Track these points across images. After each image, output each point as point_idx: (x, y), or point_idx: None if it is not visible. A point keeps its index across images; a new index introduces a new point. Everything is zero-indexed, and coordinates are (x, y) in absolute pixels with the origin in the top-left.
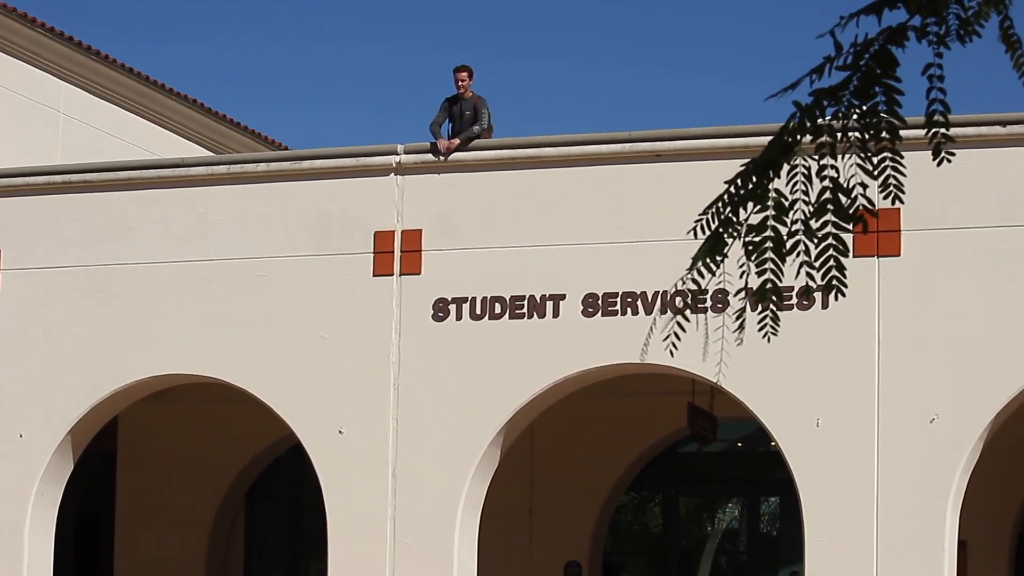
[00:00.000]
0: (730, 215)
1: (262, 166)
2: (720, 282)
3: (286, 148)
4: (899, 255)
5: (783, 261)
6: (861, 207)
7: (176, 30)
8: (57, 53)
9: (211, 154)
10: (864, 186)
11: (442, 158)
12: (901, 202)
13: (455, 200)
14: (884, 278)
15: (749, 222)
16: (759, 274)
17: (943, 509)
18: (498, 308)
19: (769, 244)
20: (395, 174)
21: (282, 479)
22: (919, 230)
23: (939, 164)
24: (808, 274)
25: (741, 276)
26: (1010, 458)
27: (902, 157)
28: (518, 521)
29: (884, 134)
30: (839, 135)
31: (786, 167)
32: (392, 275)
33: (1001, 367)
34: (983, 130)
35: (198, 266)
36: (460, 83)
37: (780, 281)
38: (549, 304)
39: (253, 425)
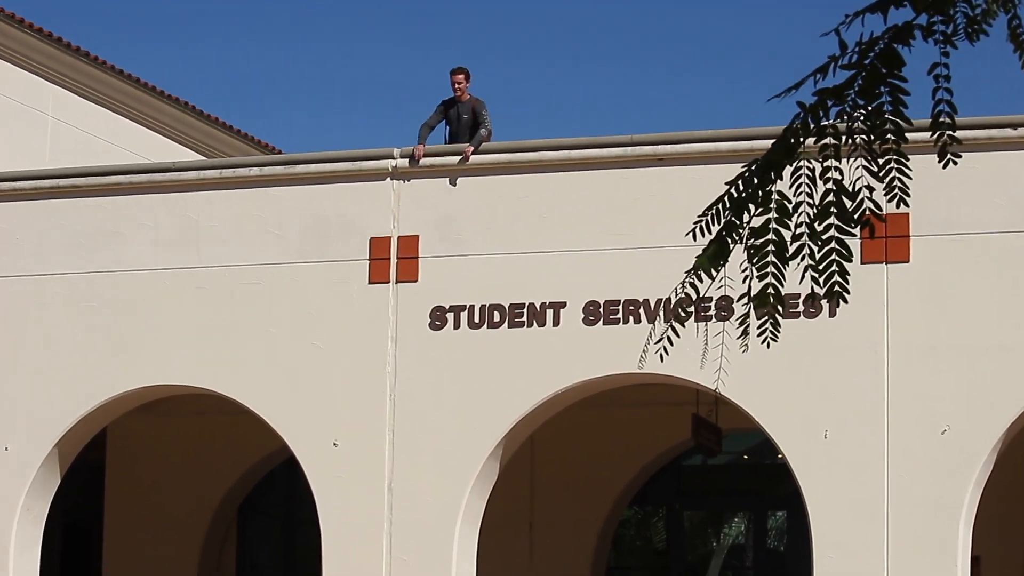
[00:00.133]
0: (733, 219)
1: (255, 171)
2: (721, 287)
3: (280, 152)
4: (908, 261)
5: (785, 265)
6: (868, 211)
7: (168, 32)
8: (46, 55)
9: (203, 158)
10: (871, 189)
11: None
12: (907, 205)
13: (453, 205)
14: (893, 285)
15: (751, 225)
16: (760, 278)
17: (956, 523)
18: (497, 316)
19: (771, 248)
20: (391, 179)
21: (275, 493)
22: (929, 235)
23: (945, 166)
24: (813, 278)
25: (744, 281)
26: None
27: (907, 159)
28: (518, 536)
29: (889, 136)
30: (843, 136)
31: (790, 170)
32: (388, 282)
33: (1015, 375)
34: (993, 132)
35: (190, 273)
36: (457, 85)
37: (782, 286)
38: (549, 312)
39: (246, 437)
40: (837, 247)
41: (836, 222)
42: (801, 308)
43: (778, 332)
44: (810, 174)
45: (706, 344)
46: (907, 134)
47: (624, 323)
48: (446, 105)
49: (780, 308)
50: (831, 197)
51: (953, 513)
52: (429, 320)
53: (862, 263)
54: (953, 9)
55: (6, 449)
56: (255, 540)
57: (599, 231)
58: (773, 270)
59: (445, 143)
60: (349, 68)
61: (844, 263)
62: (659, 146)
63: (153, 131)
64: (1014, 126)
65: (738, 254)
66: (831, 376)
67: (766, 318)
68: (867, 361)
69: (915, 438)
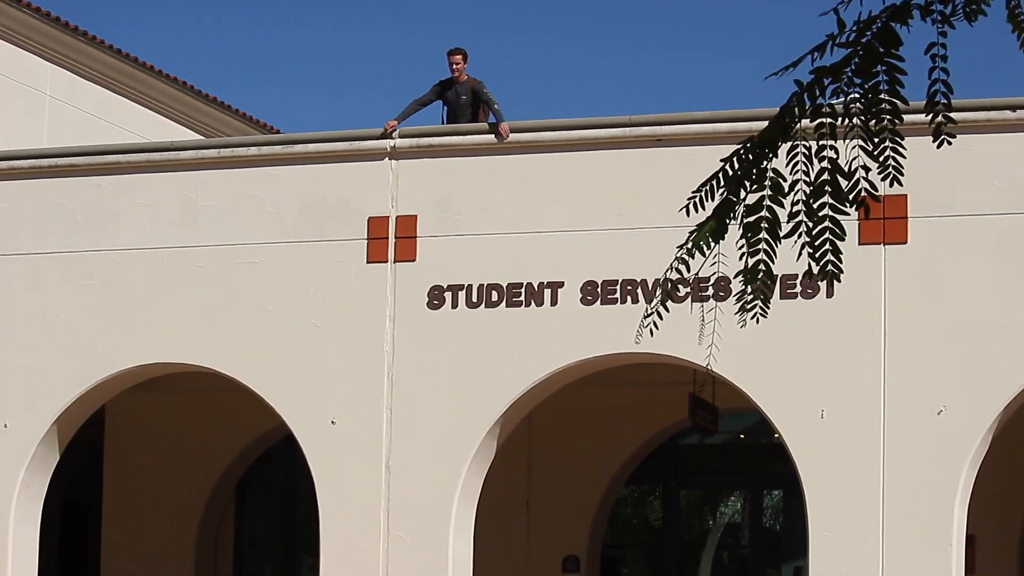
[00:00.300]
0: (730, 196)
1: (253, 150)
2: (715, 263)
3: (278, 132)
4: (906, 242)
5: (777, 243)
6: (864, 191)
7: (166, 11)
8: (44, 34)
9: (201, 138)
10: (867, 169)
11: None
12: (900, 184)
13: (451, 185)
14: (890, 266)
15: (746, 202)
16: (752, 255)
17: (951, 503)
18: (495, 296)
19: (764, 224)
20: (390, 158)
21: (273, 470)
22: (926, 217)
23: (940, 146)
24: (810, 254)
25: (741, 258)
26: (1020, 451)
27: (902, 139)
28: (515, 514)
29: (885, 115)
30: (840, 116)
31: (787, 148)
32: (386, 262)
33: (1010, 357)
34: (991, 115)
35: (187, 252)
36: (455, 66)
37: (773, 263)
38: (547, 292)
39: (244, 415)
40: (831, 226)
41: (830, 200)
42: (799, 289)
43: (767, 309)
44: (806, 152)
45: (702, 322)
46: (906, 117)
47: (622, 303)
48: (443, 86)
49: (769, 285)
50: (826, 176)
51: (948, 493)
52: (427, 299)
53: (860, 244)
54: None
55: (5, 426)
56: (253, 518)
57: (597, 211)
58: (765, 247)
59: (443, 123)
60: (348, 48)
61: (837, 242)
62: (657, 127)
63: (151, 110)
64: (1012, 108)
65: (735, 233)
66: (828, 356)
67: (755, 294)
68: (864, 342)
69: (911, 418)
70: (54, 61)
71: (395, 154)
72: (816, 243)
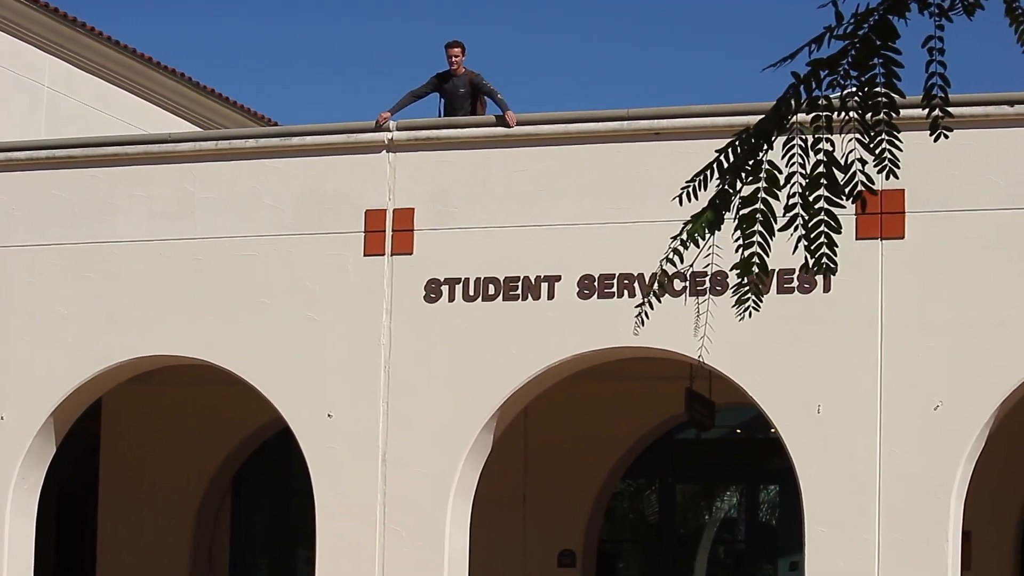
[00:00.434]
0: (727, 187)
1: (251, 142)
2: (709, 255)
3: (276, 124)
4: (903, 237)
5: (772, 235)
6: (860, 183)
7: (164, 3)
8: (42, 25)
9: (199, 130)
10: (864, 162)
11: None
12: (896, 177)
13: (449, 178)
14: (888, 261)
15: (741, 194)
16: (746, 247)
17: (947, 498)
18: (492, 289)
19: (759, 217)
20: (387, 151)
21: (269, 463)
22: (924, 212)
23: (936, 139)
24: (806, 247)
25: (737, 251)
26: (1016, 446)
27: (898, 131)
28: (511, 508)
29: (881, 108)
30: (836, 109)
31: (783, 140)
32: (383, 255)
33: (1007, 352)
34: (990, 109)
35: (185, 244)
36: (453, 59)
37: (768, 256)
38: (544, 286)
39: (240, 408)
40: (827, 219)
41: (826, 193)
42: (796, 283)
43: (760, 302)
44: (802, 144)
45: (696, 315)
46: (903, 111)
47: (619, 296)
48: (440, 78)
49: (763, 278)
50: (822, 168)
51: (945, 488)
52: (424, 293)
53: (857, 239)
54: None
55: (1, 419)
56: (249, 511)
57: (595, 205)
58: (760, 240)
59: (440, 116)
60: (346, 40)
61: (834, 235)
62: (655, 120)
63: (149, 102)
64: (1010, 103)
65: (731, 227)
66: (825, 351)
67: (748, 287)
68: (861, 336)
69: (908, 413)
70: (52, 52)
71: (392, 147)
72: (812, 236)
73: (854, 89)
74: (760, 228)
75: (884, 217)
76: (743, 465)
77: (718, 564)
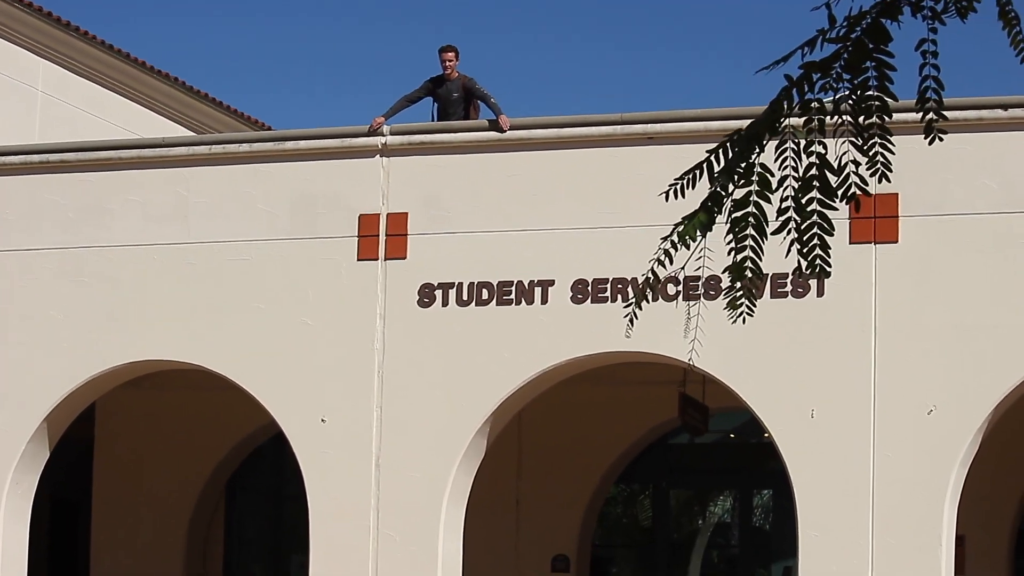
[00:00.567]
0: (719, 190)
1: (244, 147)
2: (700, 257)
3: (269, 128)
4: (897, 241)
5: (764, 238)
6: (854, 186)
7: (158, 7)
8: (35, 29)
9: (193, 134)
10: (856, 164)
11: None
12: (888, 181)
13: (442, 183)
14: (881, 265)
15: (733, 197)
16: (738, 251)
17: (941, 503)
18: (485, 294)
19: (751, 220)
20: (381, 156)
21: (263, 468)
22: (917, 216)
23: (930, 143)
24: (799, 250)
25: (729, 254)
26: (1010, 450)
27: (891, 135)
28: (505, 513)
29: (874, 111)
30: (828, 113)
31: (776, 143)
32: (377, 259)
33: (1001, 357)
34: (983, 113)
35: (178, 249)
36: (447, 63)
37: (760, 259)
38: (537, 290)
39: (234, 413)
40: (820, 221)
41: (819, 196)
42: (789, 288)
43: (754, 307)
44: (795, 147)
45: (687, 319)
46: (897, 115)
47: (612, 301)
48: (434, 83)
49: (756, 282)
50: (814, 171)
51: (938, 493)
52: (417, 297)
53: (850, 243)
54: None
55: None
56: (243, 515)
57: (588, 209)
58: (752, 243)
59: (433, 120)
60: (339, 45)
61: (826, 238)
62: (649, 124)
63: (143, 107)
64: (1004, 107)
65: (724, 231)
66: (818, 356)
67: (741, 292)
68: (854, 341)
69: (901, 418)
70: (47, 57)
71: (386, 151)
72: (805, 239)
73: (847, 92)
74: (752, 232)
75: (878, 221)
76: (737, 470)
77: (712, 569)
